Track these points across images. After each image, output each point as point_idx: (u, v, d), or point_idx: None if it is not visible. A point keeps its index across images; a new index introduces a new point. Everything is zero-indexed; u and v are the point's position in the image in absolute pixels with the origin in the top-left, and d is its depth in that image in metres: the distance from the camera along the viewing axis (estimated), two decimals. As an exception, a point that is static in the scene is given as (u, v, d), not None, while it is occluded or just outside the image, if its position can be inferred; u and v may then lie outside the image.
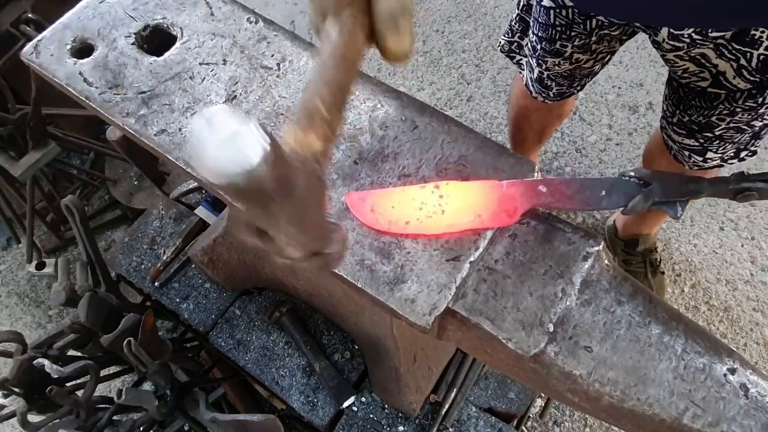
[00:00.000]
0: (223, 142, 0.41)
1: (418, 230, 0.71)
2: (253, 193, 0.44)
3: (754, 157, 1.31)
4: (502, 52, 1.58)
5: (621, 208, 0.73)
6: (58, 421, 1.10)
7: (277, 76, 0.84)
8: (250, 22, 0.89)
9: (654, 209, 0.72)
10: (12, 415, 1.05)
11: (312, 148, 0.52)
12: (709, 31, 1.00)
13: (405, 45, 0.57)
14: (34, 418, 1.07)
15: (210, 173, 0.42)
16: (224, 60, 0.85)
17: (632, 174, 0.72)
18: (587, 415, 1.84)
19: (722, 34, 1.00)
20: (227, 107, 0.42)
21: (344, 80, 0.56)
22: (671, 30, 1.04)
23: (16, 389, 1.07)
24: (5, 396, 1.06)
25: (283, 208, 0.47)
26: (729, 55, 1.04)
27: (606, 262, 0.71)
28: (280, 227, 0.49)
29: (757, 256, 2.07)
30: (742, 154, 1.31)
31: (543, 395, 1.64)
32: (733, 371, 0.64)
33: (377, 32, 0.56)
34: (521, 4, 1.39)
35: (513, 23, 1.48)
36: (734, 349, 0.67)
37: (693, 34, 1.02)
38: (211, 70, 0.84)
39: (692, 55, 1.09)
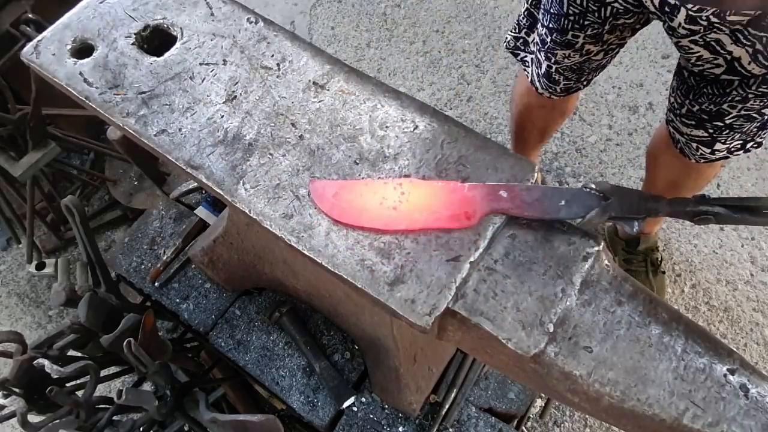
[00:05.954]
0: None
1: (373, 223, 0.71)
2: None
3: (757, 152, 1.31)
4: (508, 48, 1.57)
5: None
6: (58, 421, 1.09)
7: (277, 77, 0.84)
8: (250, 23, 0.89)
9: (611, 222, 0.72)
10: (12, 415, 1.05)
11: None
12: (727, 14, 0.98)
13: None
14: (34, 418, 1.07)
15: None
16: (224, 60, 0.85)
17: (593, 186, 0.73)
18: (587, 416, 1.84)
19: (740, 18, 0.99)
20: None
21: None
22: (689, 13, 1.02)
23: (16, 389, 1.07)
24: (5, 396, 1.06)
25: None
26: (745, 41, 1.03)
27: (606, 262, 0.71)
28: None
29: (757, 257, 2.07)
30: (749, 146, 1.30)
31: (543, 395, 1.64)
32: (733, 371, 0.64)
33: None
34: None
35: (521, 18, 1.47)
36: (734, 349, 0.67)
37: (711, 17, 1.00)
38: (211, 71, 0.84)
39: (707, 40, 1.07)
